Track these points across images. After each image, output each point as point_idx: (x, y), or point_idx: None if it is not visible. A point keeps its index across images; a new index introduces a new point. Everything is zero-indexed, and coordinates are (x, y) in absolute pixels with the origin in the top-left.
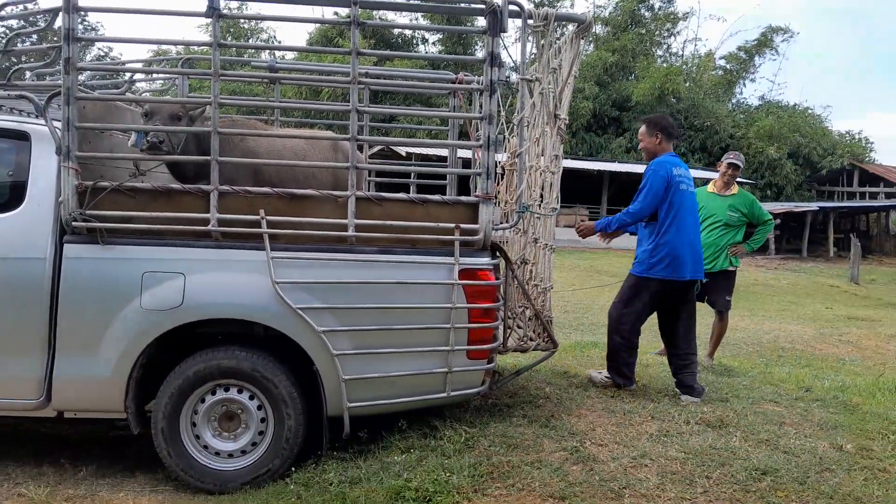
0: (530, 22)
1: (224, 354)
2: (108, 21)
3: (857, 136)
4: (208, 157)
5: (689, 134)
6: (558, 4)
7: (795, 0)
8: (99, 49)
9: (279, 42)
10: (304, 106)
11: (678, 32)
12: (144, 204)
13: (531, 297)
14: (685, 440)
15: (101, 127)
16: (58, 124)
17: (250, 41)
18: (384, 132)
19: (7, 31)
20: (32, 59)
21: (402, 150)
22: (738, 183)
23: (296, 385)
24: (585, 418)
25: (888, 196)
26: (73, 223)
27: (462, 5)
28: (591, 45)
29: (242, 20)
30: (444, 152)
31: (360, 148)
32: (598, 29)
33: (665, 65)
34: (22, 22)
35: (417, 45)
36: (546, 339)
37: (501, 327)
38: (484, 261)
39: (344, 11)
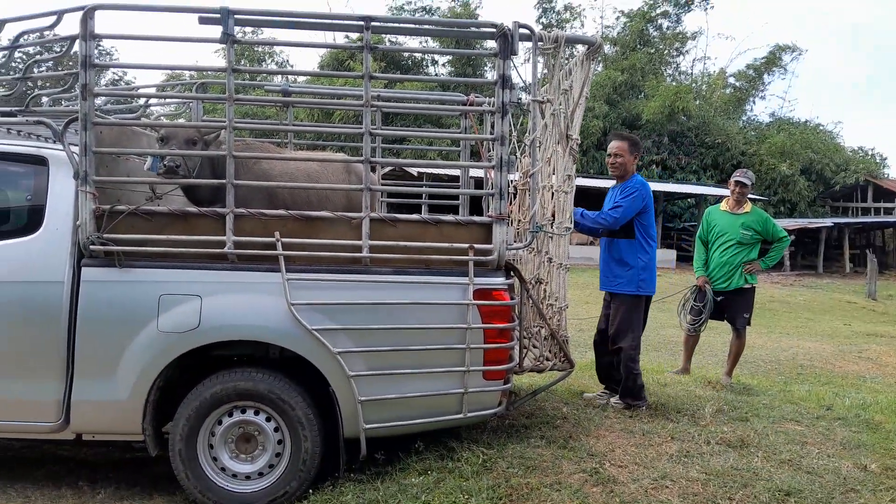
0: (541, 44)
1: (241, 376)
2: (122, 46)
3: (870, 152)
4: (224, 181)
5: (701, 151)
6: (567, 25)
7: (802, 17)
8: (113, 73)
9: (292, 66)
10: (316, 129)
11: (687, 51)
12: (161, 227)
13: (546, 316)
14: (706, 461)
15: (117, 151)
16: (75, 149)
17: (264, 65)
18: (395, 153)
19: (25, 58)
20: (49, 85)
21: (414, 171)
22: (751, 200)
23: (312, 407)
24: (604, 439)
25: None
26: (91, 247)
27: (474, 29)
28: (601, 65)
29: (256, 45)
30: (455, 172)
31: (373, 169)
32: (606, 48)
33: (674, 83)
34: (39, 48)
35: (427, 67)
36: (562, 359)
37: (517, 347)
38: (498, 280)
39: (355, 35)
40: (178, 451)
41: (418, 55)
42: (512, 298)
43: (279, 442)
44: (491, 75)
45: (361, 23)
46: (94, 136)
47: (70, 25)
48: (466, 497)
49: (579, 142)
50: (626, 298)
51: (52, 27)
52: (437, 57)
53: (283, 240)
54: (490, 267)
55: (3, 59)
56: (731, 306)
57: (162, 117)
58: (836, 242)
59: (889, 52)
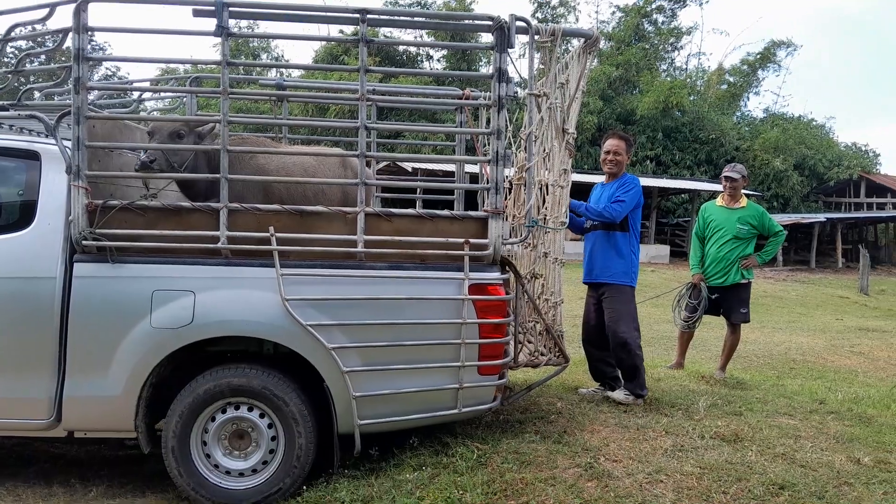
0: (537, 38)
1: (234, 372)
2: (115, 40)
3: (863, 148)
4: (218, 175)
5: (695, 147)
6: (562, 20)
7: (797, 12)
8: (107, 69)
9: (287, 60)
10: (311, 123)
11: (682, 47)
12: (154, 222)
13: (542, 311)
14: (700, 455)
15: (110, 146)
16: (68, 144)
17: (259, 60)
18: (390, 148)
19: (17, 52)
20: (42, 80)
21: (408, 166)
22: (745, 195)
23: (306, 403)
24: (599, 434)
25: (895, 206)
26: (83, 242)
27: (470, 22)
28: (596, 60)
29: (251, 38)
30: (449, 167)
31: (368, 164)
32: (601, 44)
33: (669, 79)
34: (31, 43)
35: (422, 62)
36: (557, 354)
37: (512, 342)
38: (494, 275)
39: (350, 29)
40: (171, 447)
41: (413, 51)
42: (507, 293)
43: (273, 438)
44: (486, 70)
45: (357, 15)
46: (86, 130)
47: (63, 18)
48: (461, 492)
49: (576, 136)
50: (621, 289)
51: (44, 20)
52: (431, 52)
53: (278, 234)
54: (485, 262)
55: None
56: (728, 301)
57: (155, 112)
58: (828, 238)
59: (882, 47)
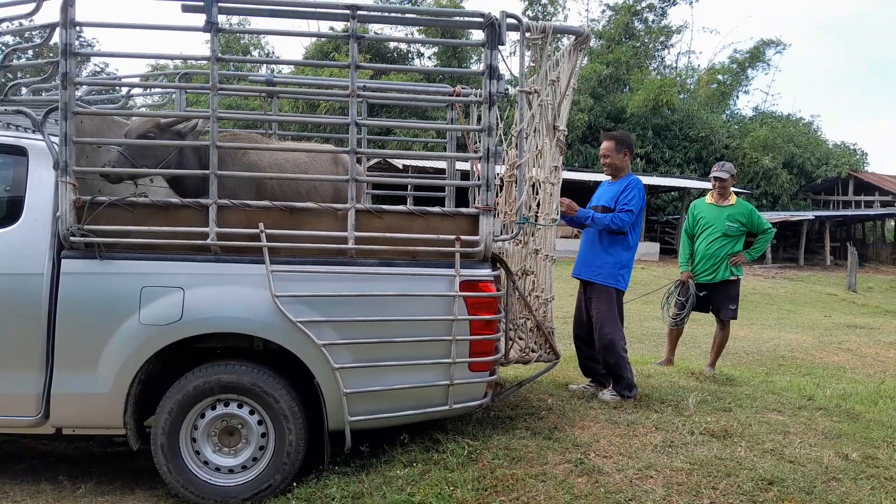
0: (528, 35)
1: (224, 369)
2: (104, 36)
3: (851, 146)
4: (207, 172)
5: (685, 145)
6: (552, 18)
7: (787, 11)
8: (95, 65)
9: (278, 57)
10: (302, 119)
11: (672, 45)
12: (142, 218)
13: (532, 308)
14: (690, 451)
15: (98, 141)
16: (55, 139)
17: (249, 56)
18: (381, 145)
19: (3, 47)
20: (30, 75)
21: (399, 163)
22: (735, 193)
23: (296, 399)
24: (589, 430)
25: (883, 205)
26: (71, 238)
27: (460, 18)
28: (586, 58)
29: (240, 35)
30: (440, 164)
31: (359, 161)
32: (592, 42)
33: (659, 77)
34: (18, 38)
35: (413, 59)
36: (548, 351)
37: (503, 339)
38: (485, 272)
39: (340, 26)
40: (161, 444)
41: (403, 48)
42: (498, 290)
43: (263, 435)
44: (477, 68)
45: (347, 11)
46: (74, 125)
47: (50, 13)
48: (451, 488)
49: (566, 133)
50: (607, 290)
51: (30, 15)
52: (422, 50)
53: (268, 231)
54: (476, 258)
55: None
56: (717, 298)
57: (144, 108)
58: (817, 235)
59: (870, 47)
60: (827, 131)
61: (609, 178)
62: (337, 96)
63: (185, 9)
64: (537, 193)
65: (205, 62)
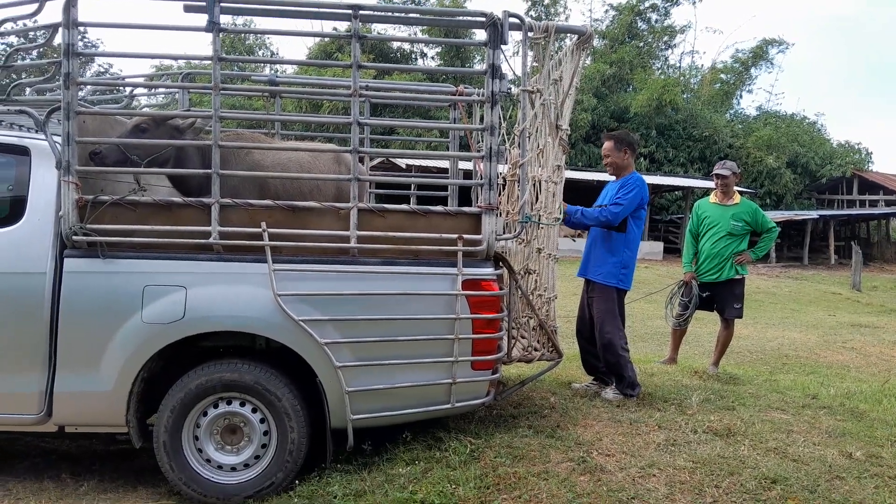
0: (531, 34)
1: (226, 367)
2: (109, 37)
3: (856, 146)
4: (209, 171)
5: (688, 144)
6: (554, 18)
7: (790, 11)
8: (99, 65)
9: (282, 57)
10: (304, 119)
11: (675, 45)
12: (145, 217)
13: (535, 306)
14: (693, 449)
15: (100, 141)
16: (58, 139)
17: (253, 56)
18: (384, 145)
19: (7, 48)
20: (34, 75)
21: (402, 163)
22: (739, 192)
23: (299, 397)
24: (592, 428)
25: (888, 203)
26: (74, 237)
27: (463, 18)
28: (589, 58)
29: (245, 35)
30: (444, 164)
31: (362, 160)
32: (595, 42)
33: (662, 76)
34: (21, 38)
35: (416, 59)
36: (551, 349)
37: (505, 337)
38: (487, 271)
39: (343, 26)
40: (163, 442)
41: (407, 48)
42: (500, 289)
43: (265, 433)
44: (480, 67)
45: (349, 11)
46: (76, 125)
47: (52, 13)
48: (454, 486)
49: (569, 132)
50: (607, 290)
51: (33, 15)
52: (425, 50)
53: (270, 230)
54: (479, 257)
55: None
56: (722, 297)
57: (147, 108)
58: (821, 234)
59: (874, 46)
60: (831, 130)
61: (613, 177)
62: (339, 96)
63: (188, 9)
64: (540, 192)
65: (208, 62)
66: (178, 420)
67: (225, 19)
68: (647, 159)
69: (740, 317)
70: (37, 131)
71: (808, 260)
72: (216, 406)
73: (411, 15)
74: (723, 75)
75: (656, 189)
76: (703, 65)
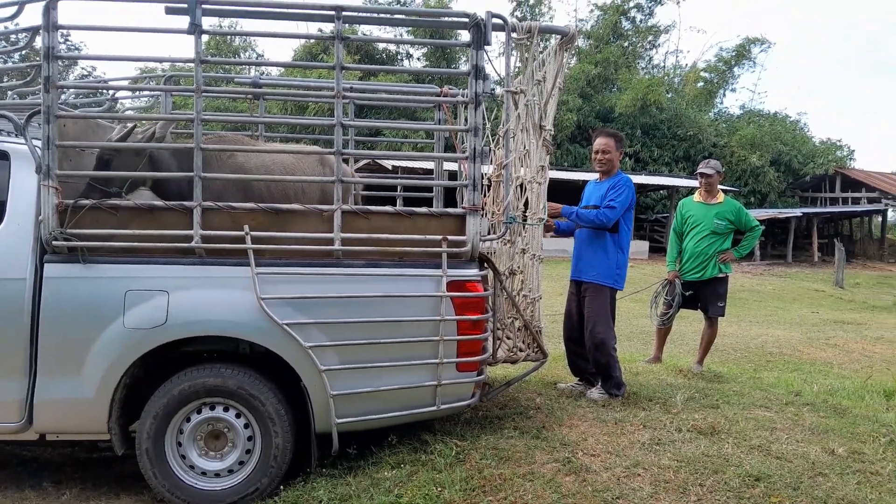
0: (514, 35)
1: (209, 372)
2: (93, 40)
3: (838, 143)
4: (191, 174)
5: (673, 143)
6: (539, 18)
7: (773, 10)
8: (83, 68)
9: (267, 59)
10: (288, 121)
11: (660, 45)
12: (126, 222)
13: (520, 307)
14: (678, 448)
15: (81, 145)
16: (38, 143)
17: (237, 59)
18: (370, 146)
19: None
20: (15, 79)
21: (389, 164)
22: (723, 190)
23: (283, 402)
24: (577, 428)
25: (870, 201)
26: (54, 242)
27: (446, 19)
28: (575, 58)
29: (230, 38)
30: (430, 165)
31: (346, 162)
32: (580, 42)
33: (647, 76)
34: (2, 41)
35: (402, 61)
36: (536, 350)
37: (491, 339)
38: (472, 272)
39: (328, 27)
40: (146, 449)
41: (392, 49)
42: (485, 290)
43: (249, 438)
44: (465, 68)
45: (332, 12)
46: (57, 129)
47: (33, 16)
48: (439, 489)
49: (553, 132)
50: (601, 289)
51: (12, 18)
52: (411, 51)
53: (253, 233)
54: (464, 258)
55: None
56: (705, 295)
57: (130, 111)
58: (805, 232)
59: (857, 43)
60: (814, 128)
61: (597, 176)
62: (324, 98)
63: (169, 10)
64: (524, 193)
65: (192, 64)
66: (161, 426)
67: (211, 21)
68: (632, 159)
69: (722, 315)
70: (16, 135)
71: (791, 257)
72: (199, 411)
73: (395, 16)
74: (706, 74)
75: (641, 188)
76: (686, 64)
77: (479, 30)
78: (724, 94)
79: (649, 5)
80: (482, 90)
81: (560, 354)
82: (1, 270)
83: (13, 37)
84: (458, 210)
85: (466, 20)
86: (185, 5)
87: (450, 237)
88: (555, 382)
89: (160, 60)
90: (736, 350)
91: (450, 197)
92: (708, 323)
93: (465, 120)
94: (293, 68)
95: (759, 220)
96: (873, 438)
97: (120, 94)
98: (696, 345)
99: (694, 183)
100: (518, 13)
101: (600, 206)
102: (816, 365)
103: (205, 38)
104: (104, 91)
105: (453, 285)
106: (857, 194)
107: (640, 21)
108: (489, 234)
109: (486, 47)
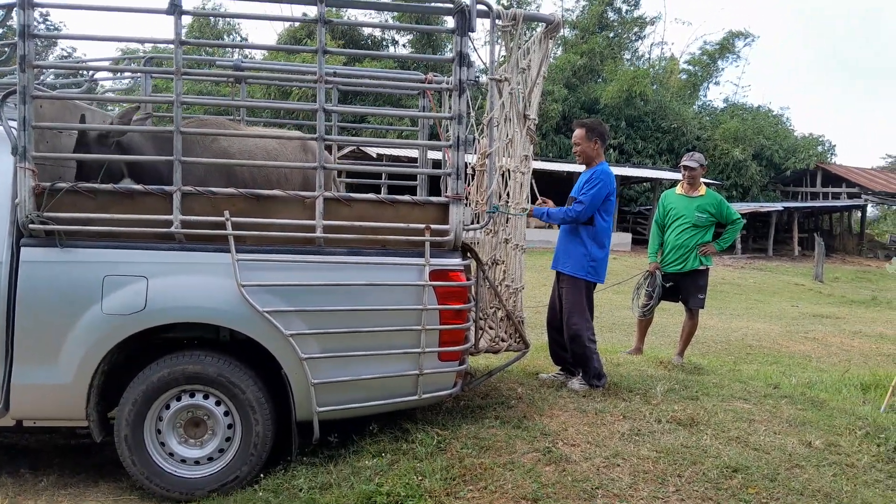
0: (499, 22)
1: (189, 359)
2: (73, 20)
3: (819, 139)
4: (171, 158)
5: (657, 136)
6: (525, 6)
7: (759, 4)
8: (62, 49)
9: (252, 43)
10: (270, 105)
11: (645, 36)
12: (105, 206)
13: (503, 297)
14: (657, 439)
15: (58, 126)
16: (13, 124)
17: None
18: (354, 133)
19: None
20: None
21: (373, 152)
22: (706, 183)
23: (263, 390)
24: (557, 418)
25: (850, 196)
26: (31, 226)
27: (430, 4)
28: (560, 49)
29: (214, 21)
30: (415, 153)
31: (329, 148)
32: (566, 32)
33: (632, 68)
34: None
35: (387, 47)
36: (518, 340)
37: (473, 328)
38: (455, 261)
39: (312, 11)
40: (125, 436)
41: (378, 35)
42: (468, 279)
43: (229, 426)
44: (451, 55)
45: None
46: (33, 109)
47: None
48: (420, 478)
49: (537, 122)
50: (576, 282)
51: None
52: (397, 37)
53: (233, 219)
54: (446, 248)
55: None
56: (686, 287)
57: (111, 93)
58: (786, 226)
59: (839, 40)
60: (795, 123)
61: (584, 166)
62: (307, 82)
63: None
64: (508, 183)
65: (170, 45)
66: (140, 413)
67: (194, 2)
68: (616, 150)
69: (702, 307)
70: None
71: (772, 251)
72: (179, 399)
73: (379, 0)
74: (689, 66)
75: (625, 180)
76: (672, 55)
77: (464, 16)
78: (708, 88)
79: None
80: (466, 77)
81: (542, 345)
82: None
83: None
84: (442, 199)
85: (451, 6)
86: None
87: (433, 226)
88: (536, 373)
89: (141, 41)
90: (716, 342)
91: (434, 186)
92: (688, 315)
93: (450, 108)
94: (276, 52)
95: (740, 214)
96: (850, 431)
97: (99, 75)
98: (677, 337)
99: (677, 175)
100: (504, 1)
101: (576, 196)
102: (795, 358)
103: (188, 20)
104: (83, 72)
105: (436, 274)
106: (837, 189)
107: (626, 12)
108: (472, 223)
109: (470, 34)
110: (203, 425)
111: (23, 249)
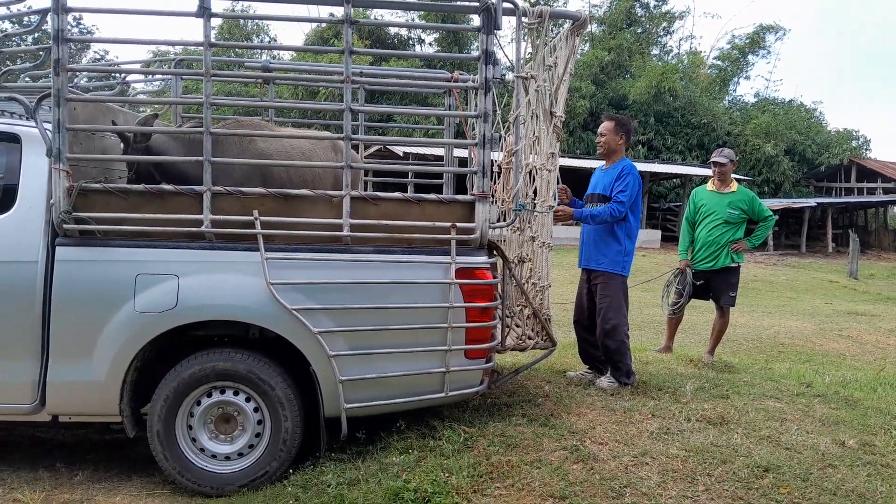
0: (525, 19)
1: (220, 356)
2: (106, 23)
3: (854, 133)
4: (201, 158)
5: (687, 132)
6: (552, 3)
7: None
8: (95, 52)
9: (281, 43)
10: (297, 105)
11: (674, 31)
12: (137, 205)
13: (529, 295)
14: (686, 438)
15: (91, 128)
16: (48, 126)
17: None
18: (381, 132)
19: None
20: (29, 61)
21: (400, 150)
22: (737, 180)
23: (292, 386)
24: (585, 416)
25: (886, 191)
26: (65, 225)
27: (456, 3)
28: (588, 45)
29: (242, 22)
30: (441, 152)
31: (356, 148)
32: (593, 28)
33: (661, 63)
34: (14, 24)
35: (414, 46)
36: (545, 338)
37: (499, 326)
38: (481, 259)
39: (339, 12)
40: (157, 432)
41: (404, 34)
42: (494, 277)
43: (259, 422)
44: (477, 53)
45: None
46: (67, 112)
47: None
48: (447, 475)
49: (563, 119)
50: (612, 277)
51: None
52: (423, 36)
53: (262, 218)
54: (472, 245)
55: None
56: (717, 285)
57: (142, 95)
58: (819, 222)
59: (872, 32)
60: (829, 117)
61: (603, 163)
62: (333, 83)
63: None
64: (535, 180)
65: (200, 48)
66: (172, 409)
67: (224, 4)
68: (645, 146)
69: (733, 305)
70: (27, 118)
71: (805, 248)
72: (210, 395)
73: (405, 0)
74: (719, 61)
75: (654, 177)
76: (702, 51)
77: (490, 14)
78: (738, 82)
79: None
80: (492, 76)
81: (569, 343)
82: (13, 253)
83: (26, 19)
84: (468, 197)
85: (477, 4)
86: None
87: (459, 224)
88: (564, 371)
89: (171, 44)
90: (747, 340)
91: (461, 184)
92: (719, 313)
93: (476, 106)
94: (303, 52)
95: (772, 210)
96: (885, 430)
97: (131, 77)
98: (708, 335)
99: (707, 172)
100: None
101: (607, 194)
102: (829, 356)
103: (217, 22)
104: (116, 75)
105: (462, 272)
106: (872, 184)
107: (654, 7)
108: (498, 221)
109: (496, 32)
110: (233, 421)
111: (57, 249)
